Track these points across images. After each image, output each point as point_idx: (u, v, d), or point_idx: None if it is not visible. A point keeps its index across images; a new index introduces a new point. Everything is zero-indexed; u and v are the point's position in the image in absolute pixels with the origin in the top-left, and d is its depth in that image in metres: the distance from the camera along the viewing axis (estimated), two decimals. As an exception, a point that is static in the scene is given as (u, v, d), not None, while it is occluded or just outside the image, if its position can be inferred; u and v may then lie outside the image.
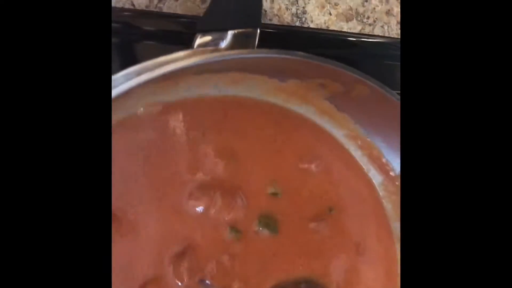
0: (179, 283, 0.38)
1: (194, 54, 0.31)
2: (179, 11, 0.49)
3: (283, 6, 0.48)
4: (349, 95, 0.39)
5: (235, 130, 0.41)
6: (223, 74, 0.37)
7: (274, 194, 0.42)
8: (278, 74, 0.38)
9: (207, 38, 0.33)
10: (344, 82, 0.36)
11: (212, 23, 0.33)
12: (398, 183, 0.45)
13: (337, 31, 0.48)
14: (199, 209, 0.40)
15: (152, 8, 0.47)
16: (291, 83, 0.39)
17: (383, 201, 0.47)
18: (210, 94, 0.39)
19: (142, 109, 0.36)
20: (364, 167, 0.46)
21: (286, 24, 0.48)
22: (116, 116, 0.35)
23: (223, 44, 0.32)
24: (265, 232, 0.41)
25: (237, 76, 0.37)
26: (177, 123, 0.39)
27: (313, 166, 0.44)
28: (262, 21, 0.43)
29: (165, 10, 0.48)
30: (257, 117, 0.42)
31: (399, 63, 0.42)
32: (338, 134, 0.45)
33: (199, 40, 0.33)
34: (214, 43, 0.33)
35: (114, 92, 0.27)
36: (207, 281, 0.39)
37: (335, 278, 0.44)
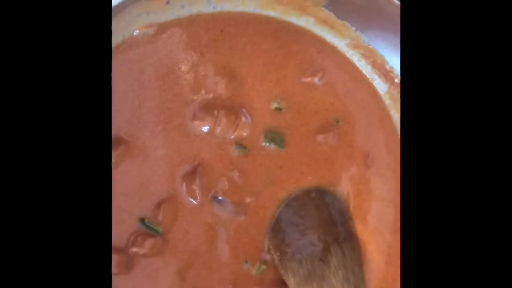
0: (193, 201, 0.40)
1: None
2: None
3: None
4: (347, -1, 0.38)
5: (233, 47, 0.41)
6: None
7: (278, 109, 0.43)
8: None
9: None
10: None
11: None
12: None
13: None
14: (204, 129, 0.41)
15: None
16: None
17: (390, 110, 0.47)
18: (205, 11, 0.39)
19: (137, 31, 0.36)
20: (368, 77, 0.46)
21: None
22: (113, 40, 0.36)
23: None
24: (271, 147, 0.42)
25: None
26: (174, 43, 0.39)
27: (316, 79, 0.44)
28: None
29: None
30: (254, 32, 0.42)
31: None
32: (340, 44, 0.44)
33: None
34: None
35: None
36: (220, 197, 0.41)
37: (345, 188, 0.45)
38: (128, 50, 0.37)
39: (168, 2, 0.36)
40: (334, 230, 0.43)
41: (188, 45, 0.39)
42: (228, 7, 0.39)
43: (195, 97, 0.40)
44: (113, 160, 0.38)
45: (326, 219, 0.44)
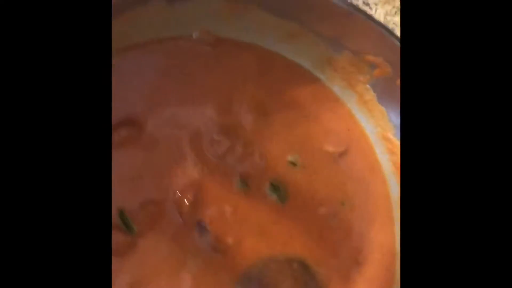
0: (179, 215, 0.39)
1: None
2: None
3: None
4: (395, 83, 0.41)
5: (273, 88, 0.43)
6: (285, 21, 0.39)
7: (293, 164, 0.43)
8: (336, 40, 0.40)
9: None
10: (396, 64, 0.38)
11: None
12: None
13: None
14: (218, 150, 0.41)
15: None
16: (345, 56, 0.41)
17: (395, 215, 0.47)
18: (263, 45, 0.42)
19: (197, 33, 0.38)
20: (386, 174, 0.47)
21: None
22: (170, 32, 0.38)
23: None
24: (273, 197, 0.42)
25: (296, 29, 0.39)
26: (224, 59, 0.41)
27: (337, 153, 0.45)
28: None
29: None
30: (296, 84, 0.44)
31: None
32: (371, 130, 0.46)
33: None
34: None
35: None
36: (203, 224, 0.39)
37: (329, 272, 0.43)
38: (180, 47, 0.39)
39: (237, 18, 0.38)
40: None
41: (235, 68, 0.41)
42: (285, 52, 0.42)
43: (221, 117, 0.41)
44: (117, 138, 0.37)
45: (300, 298, 0.41)
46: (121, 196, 0.38)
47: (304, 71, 0.44)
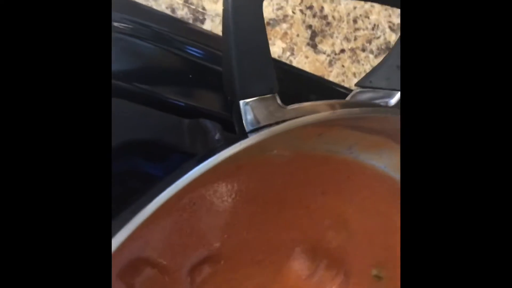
0: None
1: (359, 105, 0.31)
2: (307, 68, 0.50)
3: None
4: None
5: (354, 198, 0.40)
6: (367, 135, 0.36)
7: (378, 278, 0.40)
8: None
9: (368, 94, 0.33)
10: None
11: (378, 79, 0.33)
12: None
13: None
14: (302, 273, 0.38)
15: (283, 59, 0.49)
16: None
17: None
18: (340, 154, 0.39)
19: (275, 151, 0.36)
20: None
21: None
22: (250, 154, 0.35)
23: (388, 102, 0.32)
24: (362, 318, 0.38)
25: (380, 141, 0.37)
26: (299, 173, 0.38)
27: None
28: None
29: (294, 64, 0.49)
30: (377, 189, 0.41)
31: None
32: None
33: (359, 95, 0.33)
34: (376, 100, 0.33)
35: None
36: None
37: None
38: (260, 167, 0.36)
39: (320, 135, 0.36)
40: None
41: (313, 181, 0.38)
42: (363, 157, 0.39)
43: (303, 236, 0.38)
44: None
45: None
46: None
47: (385, 175, 0.41)
